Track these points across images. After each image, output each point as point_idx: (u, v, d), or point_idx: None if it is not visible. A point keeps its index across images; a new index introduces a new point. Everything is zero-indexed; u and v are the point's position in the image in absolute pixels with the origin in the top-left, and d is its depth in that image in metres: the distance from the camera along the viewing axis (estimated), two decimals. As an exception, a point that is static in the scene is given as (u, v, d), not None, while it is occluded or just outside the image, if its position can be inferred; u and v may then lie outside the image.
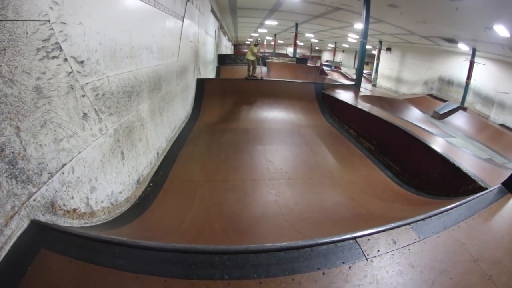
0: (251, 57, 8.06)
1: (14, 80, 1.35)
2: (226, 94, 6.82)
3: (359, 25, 12.23)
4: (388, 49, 20.31)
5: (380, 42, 19.63)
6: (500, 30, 8.51)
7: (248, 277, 1.20)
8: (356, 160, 4.35)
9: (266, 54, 19.70)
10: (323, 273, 1.24)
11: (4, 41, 1.29)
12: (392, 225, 1.55)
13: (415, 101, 12.13)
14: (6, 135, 1.31)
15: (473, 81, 13.65)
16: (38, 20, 1.50)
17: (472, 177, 2.64)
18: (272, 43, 27.74)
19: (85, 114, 1.96)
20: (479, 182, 2.54)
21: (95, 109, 2.10)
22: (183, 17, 5.09)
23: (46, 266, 1.30)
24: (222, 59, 13.90)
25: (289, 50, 33.34)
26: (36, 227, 1.45)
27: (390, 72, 20.61)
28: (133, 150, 2.87)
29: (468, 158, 3.39)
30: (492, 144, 9.14)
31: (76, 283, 1.22)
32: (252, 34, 26.78)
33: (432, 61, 16.55)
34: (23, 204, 1.40)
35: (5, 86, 1.30)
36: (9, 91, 1.33)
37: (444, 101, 13.20)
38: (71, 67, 1.79)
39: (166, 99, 4.17)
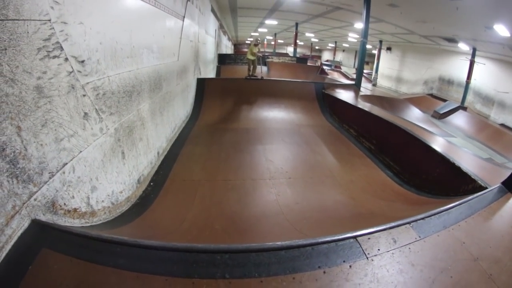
0: (251, 57, 8.06)
1: (15, 79, 1.35)
2: (227, 94, 6.82)
3: (359, 25, 12.25)
4: (388, 48, 20.31)
5: (380, 41, 19.63)
6: (500, 29, 8.51)
7: (249, 276, 1.21)
8: (356, 159, 4.35)
9: (266, 54, 19.67)
10: (324, 272, 1.24)
11: (5, 41, 1.29)
12: (393, 224, 1.56)
13: (415, 100, 12.13)
14: (7, 135, 1.31)
15: (473, 81, 13.65)
16: (39, 20, 1.50)
17: (472, 177, 2.65)
18: (272, 43, 27.72)
19: (85, 113, 1.96)
20: (479, 182, 2.55)
21: (96, 109, 2.10)
22: (184, 17, 5.09)
23: (47, 266, 1.30)
24: (222, 59, 13.89)
25: (289, 50, 33.33)
26: (37, 226, 1.45)
27: (390, 72, 20.61)
28: (134, 150, 2.87)
29: (468, 158, 3.40)
30: (492, 143, 9.14)
31: (77, 283, 1.23)
32: (252, 34, 26.78)
33: (432, 60, 16.55)
34: (24, 203, 1.40)
35: (6, 86, 1.30)
36: (10, 90, 1.33)
37: (444, 100, 13.20)
38: (71, 67, 1.79)
39: (166, 98, 4.17)
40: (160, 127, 3.89)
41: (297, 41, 19.08)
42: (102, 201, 2.15)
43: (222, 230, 2.42)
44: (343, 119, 6.10)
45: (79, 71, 1.88)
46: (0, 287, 1.22)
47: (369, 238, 1.45)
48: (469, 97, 13.99)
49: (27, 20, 1.42)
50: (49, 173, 1.58)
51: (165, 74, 4.01)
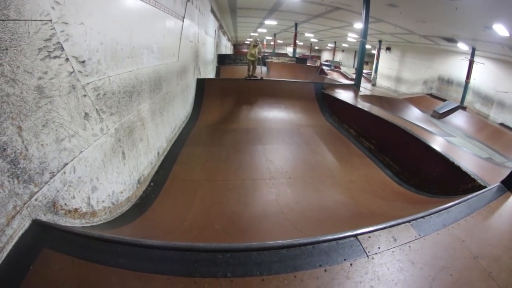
0: (251, 58, 8.08)
1: (16, 79, 1.35)
2: (226, 94, 6.83)
3: (358, 25, 12.26)
4: (388, 48, 20.34)
5: (380, 41, 19.67)
6: (500, 29, 8.54)
7: (251, 275, 1.21)
8: (356, 159, 4.36)
9: (266, 54, 19.69)
10: (325, 270, 1.25)
11: (6, 41, 1.29)
12: (393, 222, 1.56)
13: (415, 100, 12.15)
14: (8, 135, 1.31)
15: (472, 81, 13.68)
16: (40, 20, 1.51)
17: (472, 176, 2.65)
18: (272, 43, 27.74)
19: (86, 114, 1.97)
20: (479, 181, 2.55)
21: (96, 109, 2.10)
22: (183, 17, 5.10)
23: (48, 266, 1.30)
24: (222, 59, 13.90)
25: (289, 50, 33.34)
26: (37, 226, 1.45)
27: (390, 72, 20.63)
28: (134, 150, 2.87)
29: (467, 157, 3.41)
30: (491, 143, 9.16)
31: (78, 282, 1.23)
32: (252, 34, 26.78)
33: (431, 60, 16.58)
34: (24, 203, 1.40)
35: (7, 86, 1.31)
36: (11, 90, 1.33)
37: (444, 100, 13.22)
38: (72, 67, 1.80)
39: (166, 99, 4.17)
40: (160, 128, 3.90)
41: (297, 41, 19.11)
42: (103, 201, 2.16)
43: (222, 230, 2.42)
44: (342, 119, 6.11)
45: (79, 72, 1.88)
46: (1, 287, 1.23)
47: (369, 237, 1.45)
48: (469, 97, 14.02)
49: (28, 20, 1.42)
50: (50, 173, 1.58)
51: (165, 75, 4.02)
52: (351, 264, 1.29)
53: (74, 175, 1.80)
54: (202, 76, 7.59)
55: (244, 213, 2.77)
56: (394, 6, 9.63)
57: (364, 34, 8.45)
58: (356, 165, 4.13)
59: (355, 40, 19.79)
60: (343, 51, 32.46)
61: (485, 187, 2.36)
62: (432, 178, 3.24)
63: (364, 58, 9.26)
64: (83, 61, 1.93)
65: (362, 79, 12.29)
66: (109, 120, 2.31)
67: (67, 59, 1.74)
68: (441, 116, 11.47)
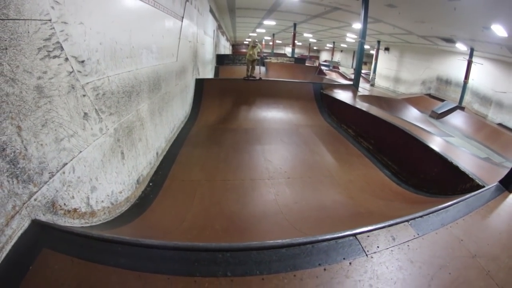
0: (250, 58, 8.08)
1: (15, 79, 1.35)
2: (225, 94, 6.83)
3: (357, 25, 12.25)
4: (386, 49, 20.40)
5: (378, 42, 19.73)
6: (498, 30, 8.58)
7: (251, 274, 1.21)
8: (354, 159, 4.37)
9: (264, 54, 19.70)
10: (324, 269, 1.26)
11: (5, 40, 1.29)
12: (391, 222, 1.57)
13: (413, 100, 12.19)
14: (7, 134, 1.31)
15: (471, 81, 13.74)
16: (40, 20, 1.51)
17: (470, 176, 2.67)
18: (271, 43, 27.76)
19: (85, 113, 1.97)
20: (477, 181, 2.57)
21: (96, 109, 2.10)
22: (182, 17, 5.10)
23: (48, 266, 1.30)
24: (221, 59, 13.89)
25: (287, 50, 33.41)
26: (37, 226, 1.45)
27: (388, 72, 20.69)
28: (133, 150, 2.87)
29: (465, 157, 3.43)
30: (490, 143, 9.20)
31: (78, 282, 1.22)
32: (251, 34, 26.80)
33: (430, 60, 16.63)
34: (24, 203, 1.40)
35: (6, 85, 1.31)
36: (11, 90, 1.33)
37: (442, 100, 13.26)
38: (72, 67, 1.80)
39: (165, 99, 4.17)
40: (159, 128, 3.90)
41: (295, 41, 19.11)
42: (102, 201, 2.15)
43: (222, 229, 2.43)
44: (341, 119, 6.12)
45: (79, 71, 1.88)
46: (1, 287, 1.22)
47: (368, 236, 1.46)
48: (467, 97, 14.08)
49: (28, 19, 1.42)
50: (49, 173, 1.58)
51: (164, 75, 4.02)
52: (350, 263, 1.30)
53: (73, 175, 1.80)
54: (201, 76, 7.59)
55: (243, 213, 2.77)
56: (392, 7, 9.66)
57: (362, 34, 8.47)
58: (354, 165, 4.14)
59: (353, 41, 19.83)
60: (341, 51, 32.54)
61: (483, 186, 2.37)
62: (431, 178, 3.25)
63: (362, 58, 9.28)
64: (83, 61, 1.93)
65: (361, 79, 12.31)
66: (108, 120, 2.31)
67: (66, 59, 1.74)
68: (439, 116, 11.51)
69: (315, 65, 20.24)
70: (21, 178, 1.39)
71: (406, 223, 1.59)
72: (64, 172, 1.70)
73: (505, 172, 2.15)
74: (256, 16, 15.90)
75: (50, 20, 1.58)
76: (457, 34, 11.26)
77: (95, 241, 1.44)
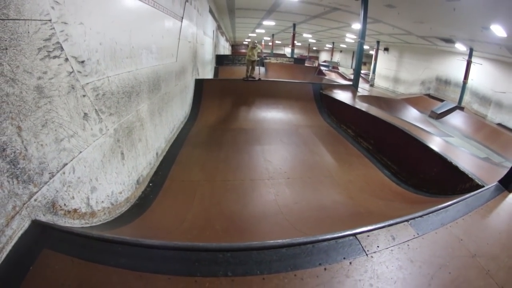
0: (250, 59, 8.09)
1: (15, 79, 1.35)
2: (225, 95, 6.83)
3: (356, 25, 12.27)
4: (386, 49, 20.42)
5: (378, 42, 19.75)
6: (497, 30, 8.60)
7: (252, 273, 1.22)
8: (354, 159, 4.38)
9: (264, 55, 19.72)
10: (325, 269, 1.26)
11: (6, 40, 1.29)
12: (391, 221, 1.57)
13: (413, 101, 12.21)
14: (7, 135, 1.31)
15: (470, 81, 13.76)
16: (40, 20, 1.51)
17: (469, 175, 2.67)
18: (270, 44, 27.78)
19: (85, 114, 1.97)
20: (476, 180, 2.57)
21: (96, 109, 2.10)
22: (182, 18, 5.10)
23: (48, 266, 1.30)
24: (220, 60, 13.89)
25: (287, 51, 33.43)
26: (37, 227, 1.45)
27: (388, 72, 20.71)
28: (133, 150, 2.87)
29: (465, 157, 3.43)
30: (489, 143, 9.21)
31: (79, 283, 1.22)
32: (250, 35, 26.82)
33: (429, 61, 16.66)
34: (24, 204, 1.40)
35: (6, 86, 1.31)
36: (11, 90, 1.33)
37: (442, 100, 13.29)
38: (72, 67, 1.80)
39: (165, 99, 4.17)
40: (159, 128, 3.90)
41: (295, 42, 19.13)
42: (102, 201, 2.15)
43: (222, 230, 2.43)
44: (341, 119, 6.13)
45: (79, 72, 1.88)
46: (1, 288, 1.22)
47: (368, 236, 1.46)
48: (466, 97, 14.10)
49: (28, 20, 1.42)
50: (49, 173, 1.58)
51: (163, 75, 4.02)
52: (350, 263, 1.30)
53: (73, 175, 1.80)
54: (201, 77, 7.59)
55: (243, 213, 2.77)
56: (392, 7, 9.68)
57: (362, 34, 8.49)
58: (354, 165, 4.15)
59: (353, 41, 19.87)
60: (341, 51, 32.58)
61: (483, 186, 2.38)
62: (430, 178, 3.26)
63: (362, 59, 9.30)
64: (83, 61, 1.93)
65: (360, 79, 12.32)
66: (108, 121, 2.31)
67: (66, 59, 1.74)
68: (439, 116, 11.52)
69: (314, 65, 20.25)
70: (21, 179, 1.38)
71: (406, 222, 1.59)
72: (64, 173, 1.70)
73: (504, 172, 2.16)
74: (256, 17, 15.91)
75: (50, 20, 1.58)
76: (457, 34, 11.29)
77: (95, 241, 1.44)
